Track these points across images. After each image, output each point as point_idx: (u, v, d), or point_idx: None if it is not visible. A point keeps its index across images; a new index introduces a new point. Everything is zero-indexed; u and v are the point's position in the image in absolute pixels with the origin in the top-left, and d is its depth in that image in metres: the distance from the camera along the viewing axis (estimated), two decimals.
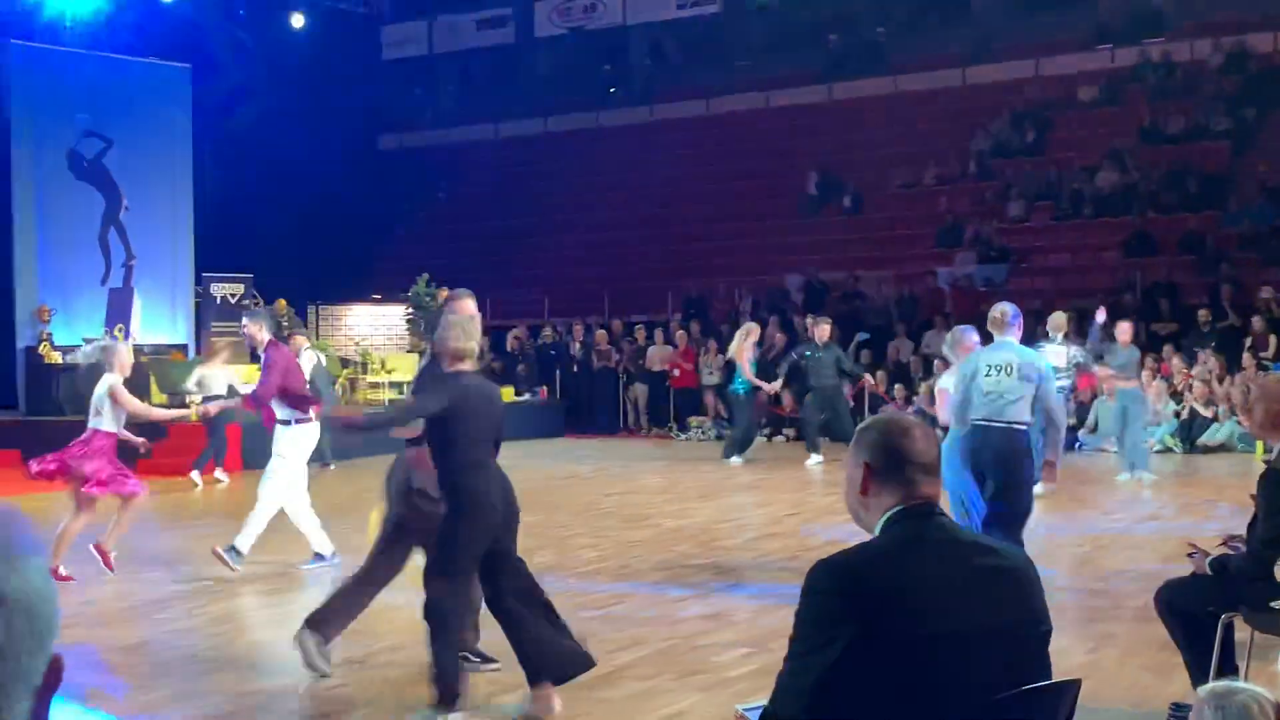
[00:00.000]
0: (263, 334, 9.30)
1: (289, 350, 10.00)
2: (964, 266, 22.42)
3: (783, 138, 26.65)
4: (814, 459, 15.76)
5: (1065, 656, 6.45)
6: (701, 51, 29.50)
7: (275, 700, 6.17)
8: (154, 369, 18.31)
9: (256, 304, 20.19)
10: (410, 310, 20.83)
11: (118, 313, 19.54)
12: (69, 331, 19.26)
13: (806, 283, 22.91)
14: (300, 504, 9.49)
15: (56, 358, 18.47)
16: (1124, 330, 14.01)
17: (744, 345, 16.42)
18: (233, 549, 9.14)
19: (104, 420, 8.99)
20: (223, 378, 14.85)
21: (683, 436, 20.20)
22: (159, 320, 20.44)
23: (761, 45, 28.64)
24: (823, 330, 16.54)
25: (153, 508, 11.53)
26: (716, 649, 6.94)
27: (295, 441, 9.45)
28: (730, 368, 17.16)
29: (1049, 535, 10.26)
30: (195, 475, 14.72)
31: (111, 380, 9.03)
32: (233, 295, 19.90)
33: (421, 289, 20.26)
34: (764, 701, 2.76)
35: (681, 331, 21.34)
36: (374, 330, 21.87)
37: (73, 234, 19.80)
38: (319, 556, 9.43)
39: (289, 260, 21.77)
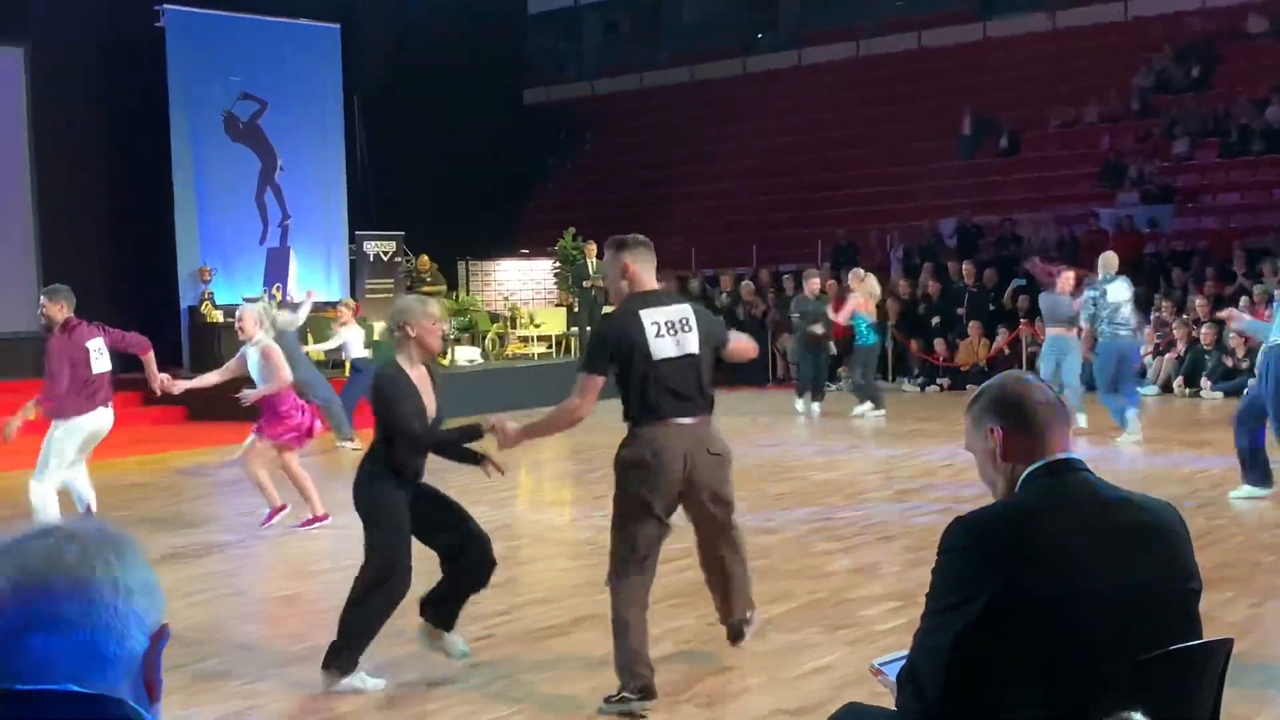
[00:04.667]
0: (62, 314, 8.58)
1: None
2: (1127, 207, 21.68)
3: (936, 79, 25.97)
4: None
5: (1230, 609, 6.14)
6: None
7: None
8: (310, 326, 18.68)
9: (407, 260, 20.45)
10: (557, 264, 20.86)
11: (275, 272, 19.97)
12: (229, 291, 19.72)
13: (960, 227, 22.33)
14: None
15: (218, 316, 18.95)
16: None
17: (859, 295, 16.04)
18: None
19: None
20: (357, 338, 15.06)
21: (832, 387, 19.88)
22: (314, 278, 20.80)
23: None
24: (812, 284, 16.35)
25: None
26: (864, 602, 6.81)
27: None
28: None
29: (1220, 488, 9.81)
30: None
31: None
32: (385, 252, 20.17)
33: (568, 243, 20.25)
34: (901, 656, 2.72)
35: (831, 281, 20.98)
36: (522, 285, 21.98)
37: (231, 195, 20.24)
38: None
39: (438, 216, 21.95)
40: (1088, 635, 2.45)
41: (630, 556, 5.26)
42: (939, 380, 19.11)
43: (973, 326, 19.13)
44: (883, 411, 15.70)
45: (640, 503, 5.23)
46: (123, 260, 19.46)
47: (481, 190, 24.83)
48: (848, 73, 27.34)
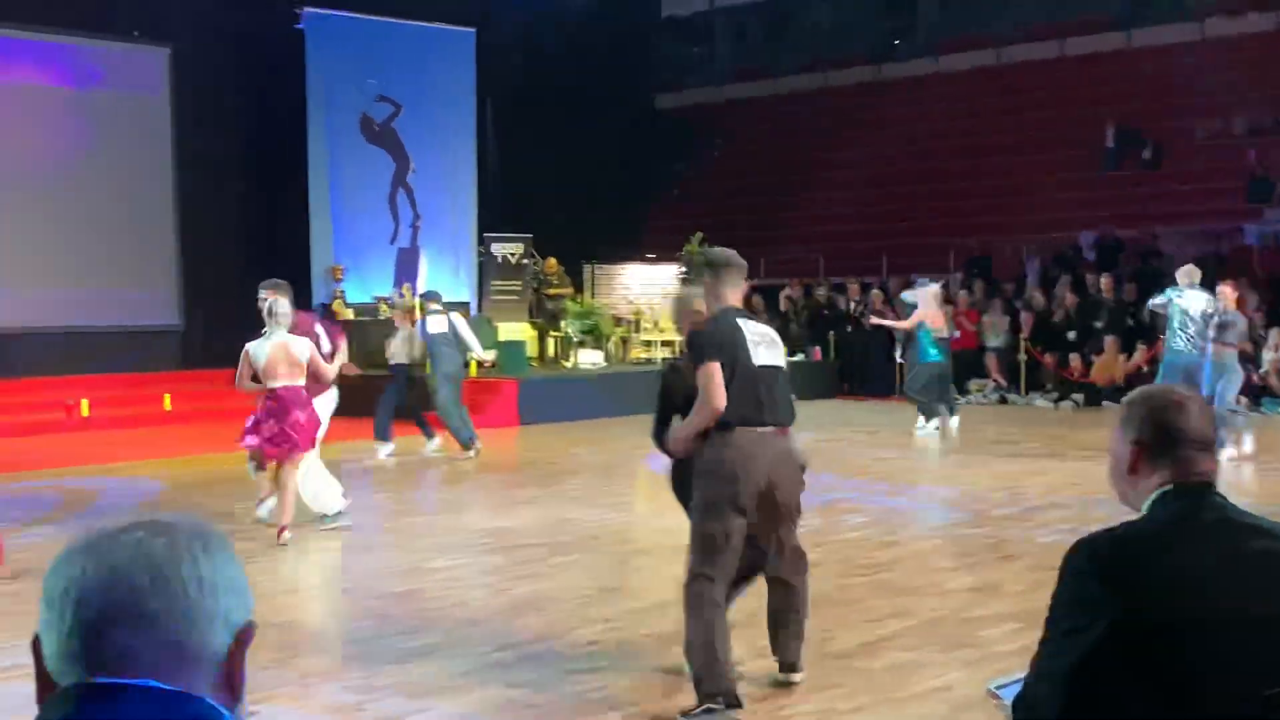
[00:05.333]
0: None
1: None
2: (1274, 224, 20.91)
3: (1077, 88, 25.33)
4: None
5: None
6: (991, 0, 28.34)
7: (539, 650, 6.15)
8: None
9: (534, 263, 20.57)
10: (683, 269, 20.77)
11: (405, 271, 20.27)
12: (360, 289, 20.06)
13: (1100, 240, 21.75)
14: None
15: (349, 314, 19.26)
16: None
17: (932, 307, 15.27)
18: (323, 517, 9.31)
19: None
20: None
21: (962, 400, 19.50)
22: (443, 279, 21.05)
23: None
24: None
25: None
26: (984, 622, 6.60)
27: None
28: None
29: None
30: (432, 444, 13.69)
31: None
32: (512, 254, 20.32)
33: (694, 248, 20.15)
34: (1019, 679, 2.61)
35: (963, 291, 20.59)
36: (647, 289, 21.94)
37: (364, 196, 20.58)
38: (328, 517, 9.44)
39: (566, 219, 22.05)
40: (1213, 666, 2.33)
41: (710, 557, 5.25)
42: (1074, 396, 18.61)
43: (1110, 342, 18.58)
44: (936, 426, 15.04)
45: (722, 502, 5.24)
46: (258, 256, 19.85)
47: (609, 194, 24.88)
48: (985, 81, 26.82)
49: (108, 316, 18.52)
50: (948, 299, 18.10)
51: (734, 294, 5.54)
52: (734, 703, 5.16)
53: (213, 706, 1.32)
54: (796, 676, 5.61)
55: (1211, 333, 12.34)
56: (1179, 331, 12.41)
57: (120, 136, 19.06)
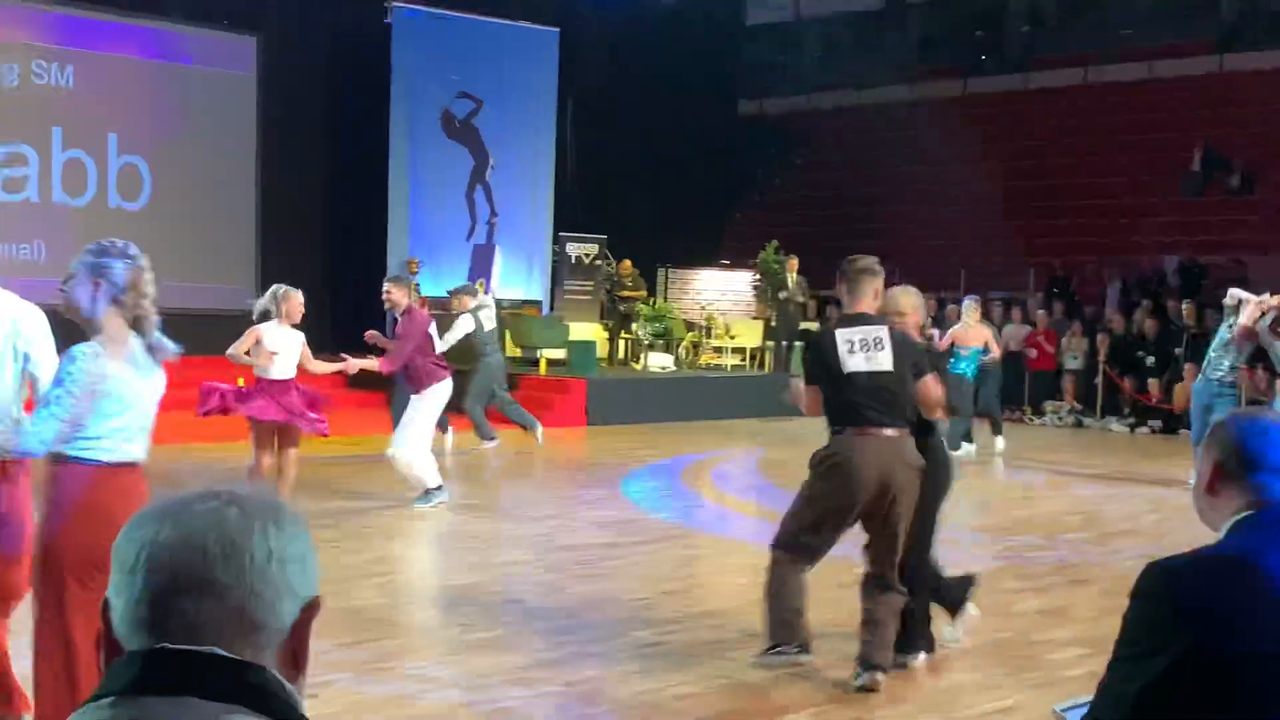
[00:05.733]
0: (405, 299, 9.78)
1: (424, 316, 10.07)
2: None
3: (1166, 111, 24.93)
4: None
5: None
6: (1083, 18, 27.95)
7: (597, 650, 6.12)
8: (510, 324, 18.96)
9: (608, 263, 20.58)
10: (758, 277, 20.69)
11: (480, 268, 20.34)
12: (435, 284, 20.15)
13: (1183, 265, 21.35)
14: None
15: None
16: None
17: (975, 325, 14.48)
18: (426, 493, 9.76)
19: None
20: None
21: (1037, 421, 19.24)
22: (516, 276, 21.14)
23: (1148, 12, 26.84)
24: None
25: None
26: (1052, 646, 6.49)
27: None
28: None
29: None
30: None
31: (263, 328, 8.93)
32: (587, 255, 20.35)
33: (770, 256, 20.05)
34: (1085, 702, 2.57)
35: (1042, 311, 20.31)
36: (720, 295, 21.86)
37: (442, 191, 20.69)
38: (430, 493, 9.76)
39: (641, 222, 22.03)
40: None
41: (800, 537, 5.75)
42: (1150, 422, 18.28)
43: (1189, 369, 18.20)
44: (969, 449, 14.27)
45: (824, 493, 5.69)
46: (337, 247, 20.09)
47: (687, 198, 24.83)
48: (1073, 99, 26.47)
49: (191, 300, 18.77)
50: (1025, 319, 17.62)
51: (861, 300, 5.76)
52: (806, 648, 5.70)
53: (276, 679, 1.32)
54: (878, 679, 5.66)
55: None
56: (1216, 361, 11.86)
57: (207, 127, 19.32)
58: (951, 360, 14.11)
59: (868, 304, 5.76)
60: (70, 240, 18.29)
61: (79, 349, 4.01)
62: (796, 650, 5.64)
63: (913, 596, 5.85)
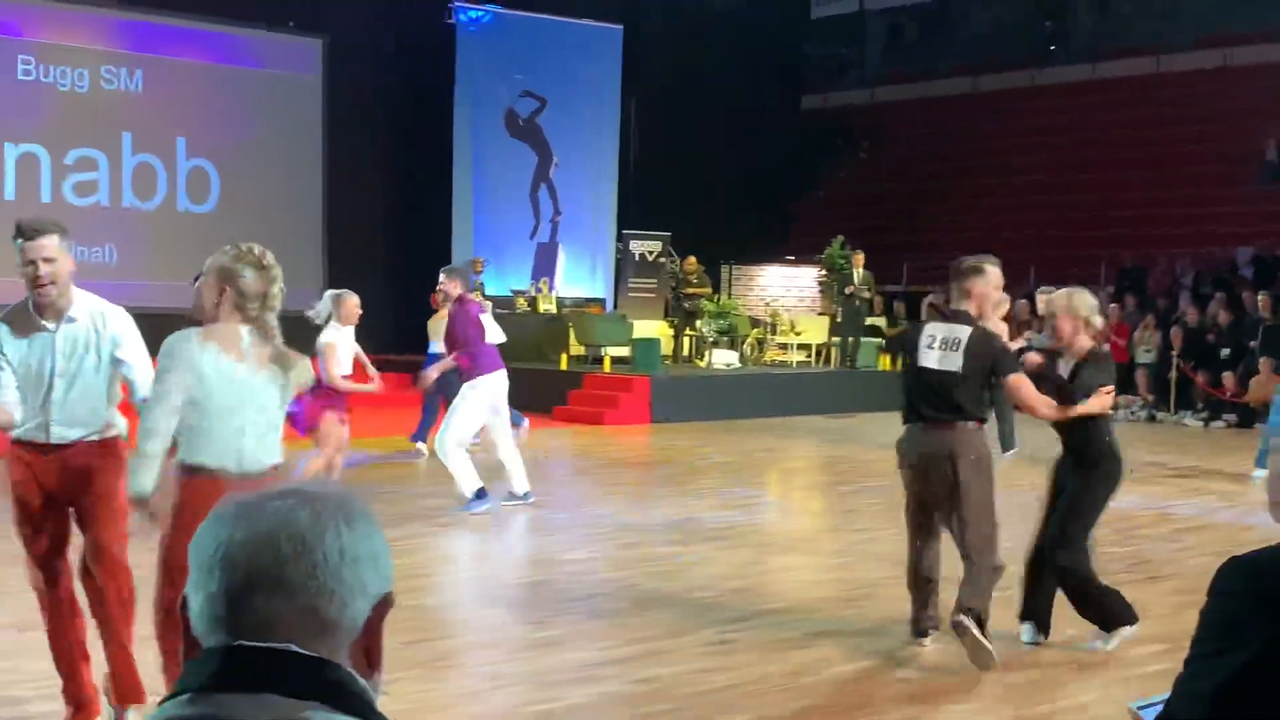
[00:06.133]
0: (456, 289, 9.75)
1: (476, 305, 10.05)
2: None
3: (1240, 100, 24.45)
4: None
5: None
6: (1152, 6, 27.51)
7: (666, 646, 6.09)
8: (573, 321, 18.98)
9: (671, 261, 20.54)
10: (823, 272, 20.55)
11: (544, 266, 20.39)
12: (499, 283, 20.24)
13: (1257, 256, 20.96)
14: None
15: (488, 307, 19.40)
16: None
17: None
18: (510, 495, 9.65)
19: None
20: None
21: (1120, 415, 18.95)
22: (580, 274, 21.17)
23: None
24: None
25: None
26: (1126, 643, 6.36)
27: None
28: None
29: None
30: (420, 445, 12.65)
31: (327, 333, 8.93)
32: (650, 252, 20.32)
33: (835, 251, 19.91)
34: (1160, 700, 2.47)
35: (1114, 305, 20.02)
36: (785, 291, 21.75)
37: (506, 190, 20.77)
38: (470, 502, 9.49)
39: (705, 219, 21.97)
40: None
41: (906, 516, 6.22)
42: (1225, 416, 17.95)
43: (1263, 362, 17.83)
44: (1006, 453, 13.34)
45: (904, 481, 6.17)
46: (401, 247, 20.21)
47: (750, 195, 24.74)
48: (1144, 89, 26.06)
49: None
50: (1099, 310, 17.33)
51: (959, 299, 6.03)
52: (918, 631, 6.17)
53: (352, 675, 1.32)
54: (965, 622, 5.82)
55: None
56: None
57: (273, 129, 19.52)
58: None
59: (966, 302, 6.00)
60: (140, 243, 18.58)
61: (173, 338, 4.06)
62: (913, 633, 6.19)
63: (1064, 581, 6.07)
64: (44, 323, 4.46)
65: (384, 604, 1.37)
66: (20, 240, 4.38)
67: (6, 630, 6.08)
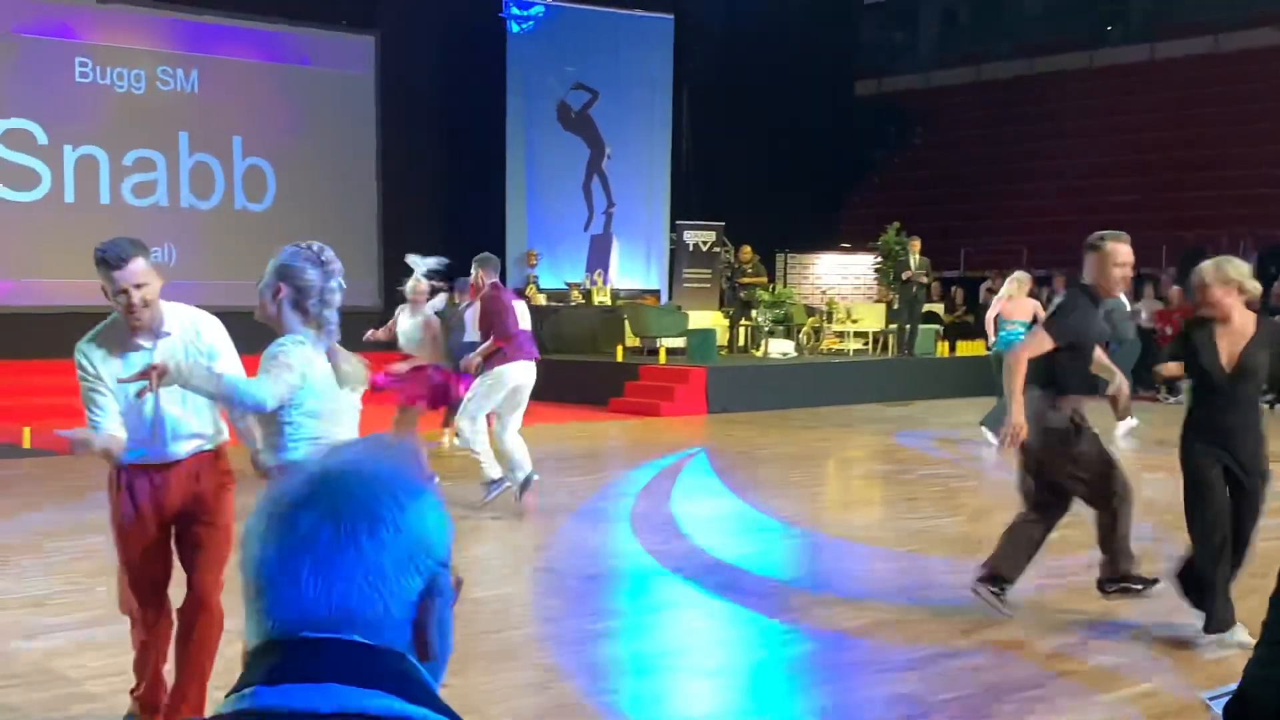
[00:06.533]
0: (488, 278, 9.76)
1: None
2: None
3: None
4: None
5: None
6: None
7: (727, 636, 6.07)
8: (628, 313, 18.98)
9: (725, 251, 20.48)
10: (879, 259, 20.41)
11: (598, 258, 20.39)
12: (553, 275, 20.27)
13: None
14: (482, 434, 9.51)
15: (542, 300, 19.47)
16: None
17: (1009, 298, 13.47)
18: (494, 483, 9.51)
19: None
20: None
21: (1170, 400, 18.71)
22: (634, 266, 21.16)
23: None
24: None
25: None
26: (1192, 629, 6.26)
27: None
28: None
29: None
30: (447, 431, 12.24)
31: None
32: (704, 243, 20.27)
33: (891, 238, 19.75)
34: (1232, 689, 2.43)
35: (1175, 287, 19.73)
36: (841, 279, 21.64)
37: (559, 182, 20.79)
38: (495, 483, 9.47)
39: (759, 207, 21.87)
40: None
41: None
42: None
43: None
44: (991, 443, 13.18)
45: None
46: (455, 240, 20.17)
47: (805, 182, 24.61)
48: (1202, 68, 25.67)
49: None
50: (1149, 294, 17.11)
51: (1097, 276, 6.23)
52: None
53: (414, 664, 1.31)
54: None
55: None
56: None
57: (327, 126, 19.65)
58: (999, 335, 13.59)
59: (1087, 275, 6.24)
60: (199, 243, 18.77)
61: (284, 338, 4.02)
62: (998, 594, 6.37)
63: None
64: (139, 341, 4.33)
65: (433, 594, 1.32)
66: (106, 270, 4.21)
67: (63, 631, 6.17)
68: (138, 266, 4.23)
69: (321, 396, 4.04)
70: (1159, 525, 8.95)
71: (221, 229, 18.89)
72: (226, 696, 1.28)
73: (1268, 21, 25.39)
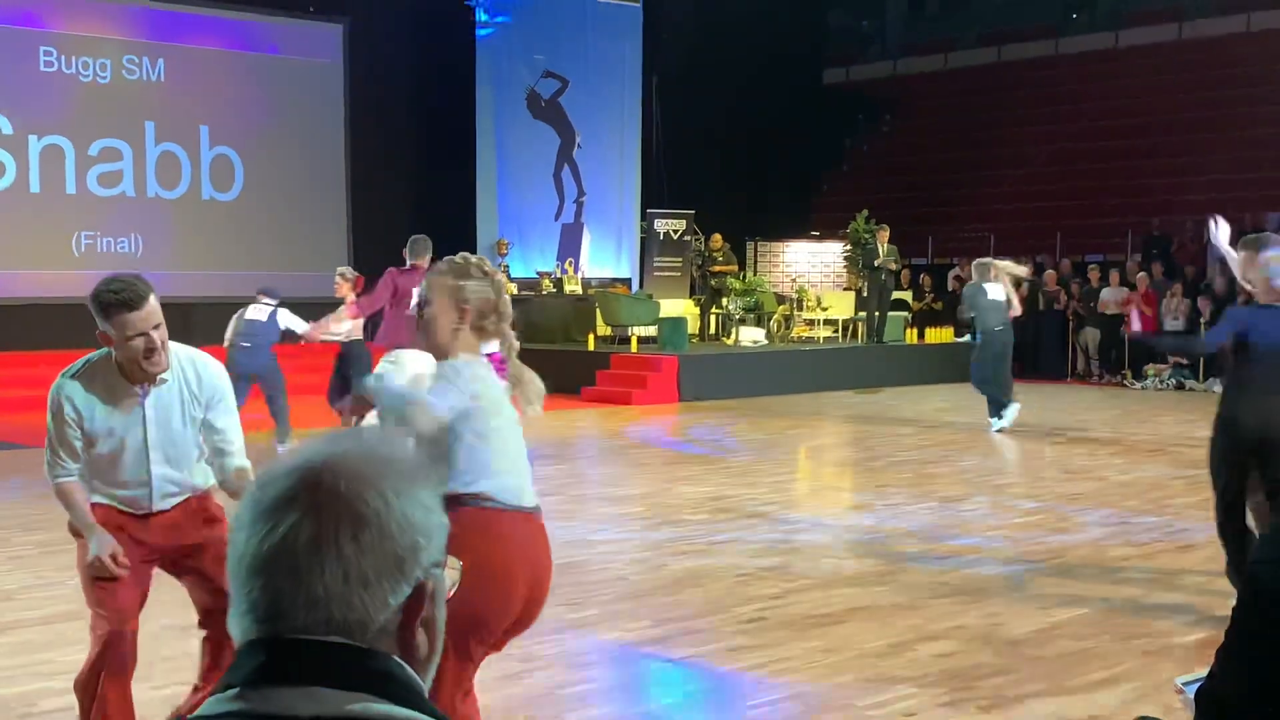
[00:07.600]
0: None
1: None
2: None
3: (1263, 64, 24.19)
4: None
5: None
6: None
7: (699, 625, 6.10)
8: (600, 302, 18.98)
9: (696, 239, 20.51)
10: (848, 247, 20.48)
11: (568, 247, 20.37)
12: (524, 265, 20.24)
13: None
14: None
15: (513, 289, 19.39)
16: None
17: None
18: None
19: None
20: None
21: (1137, 385, 18.87)
22: (605, 255, 21.15)
23: None
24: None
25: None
26: (1161, 612, 6.35)
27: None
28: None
29: None
30: None
31: None
32: (675, 231, 20.28)
33: (860, 225, 19.83)
34: (1204, 675, 2.39)
35: (1141, 273, 19.89)
36: (811, 267, 21.70)
37: (529, 171, 20.75)
38: None
39: (729, 196, 21.90)
40: None
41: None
42: None
43: None
44: (996, 423, 13.53)
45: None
46: (425, 229, 19.99)
47: (774, 171, 24.65)
48: (1169, 56, 25.80)
49: (284, 288, 19.03)
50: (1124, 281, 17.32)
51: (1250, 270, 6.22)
52: None
53: (399, 664, 1.27)
54: None
55: None
56: None
57: (295, 116, 19.54)
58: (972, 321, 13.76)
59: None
60: (166, 233, 18.65)
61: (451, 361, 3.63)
62: None
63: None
64: (133, 387, 3.93)
65: (422, 593, 1.29)
66: (123, 313, 3.74)
67: (31, 626, 6.14)
68: (154, 304, 3.81)
69: (493, 417, 3.66)
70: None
71: (189, 219, 18.76)
72: (210, 697, 1.26)
73: (1233, 9, 25.55)
